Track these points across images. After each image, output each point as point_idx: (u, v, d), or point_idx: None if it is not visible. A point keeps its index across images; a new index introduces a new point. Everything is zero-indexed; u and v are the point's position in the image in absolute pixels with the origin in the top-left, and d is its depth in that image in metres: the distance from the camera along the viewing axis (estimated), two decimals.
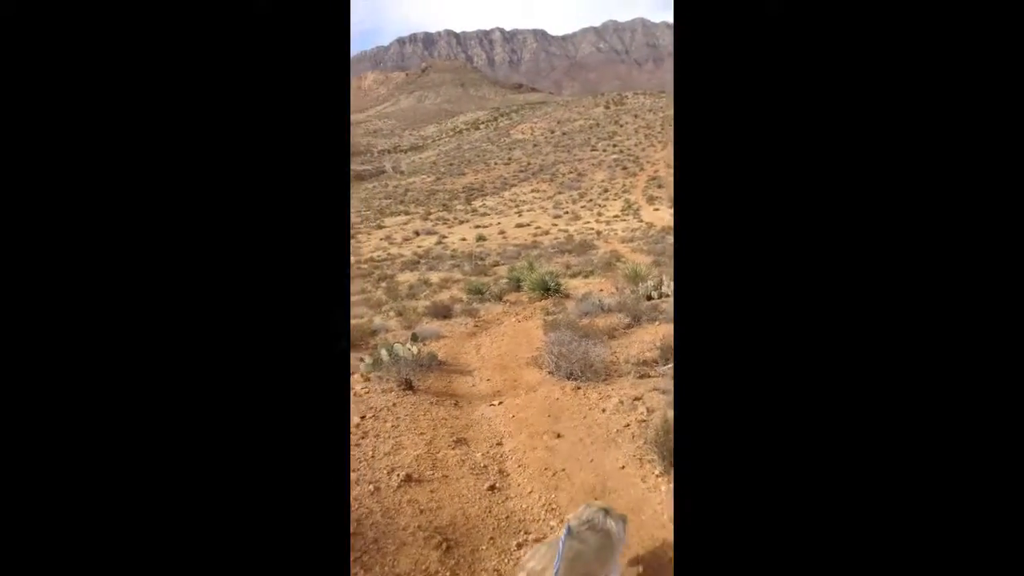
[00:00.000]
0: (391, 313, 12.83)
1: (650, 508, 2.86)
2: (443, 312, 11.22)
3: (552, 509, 3.02)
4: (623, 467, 3.37)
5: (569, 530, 1.99)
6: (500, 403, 5.13)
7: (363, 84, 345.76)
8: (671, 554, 2.43)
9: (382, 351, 6.59)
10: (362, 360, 6.21)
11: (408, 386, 5.54)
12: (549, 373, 5.59)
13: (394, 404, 4.98)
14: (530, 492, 3.24)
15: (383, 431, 4.24)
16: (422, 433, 4.25)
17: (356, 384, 5.62)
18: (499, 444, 4.13)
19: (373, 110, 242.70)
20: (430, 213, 52.01)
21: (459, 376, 6.42)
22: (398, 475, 3.34)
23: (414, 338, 8.32)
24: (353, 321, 10.53)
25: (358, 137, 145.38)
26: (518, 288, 13.90)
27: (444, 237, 38.55)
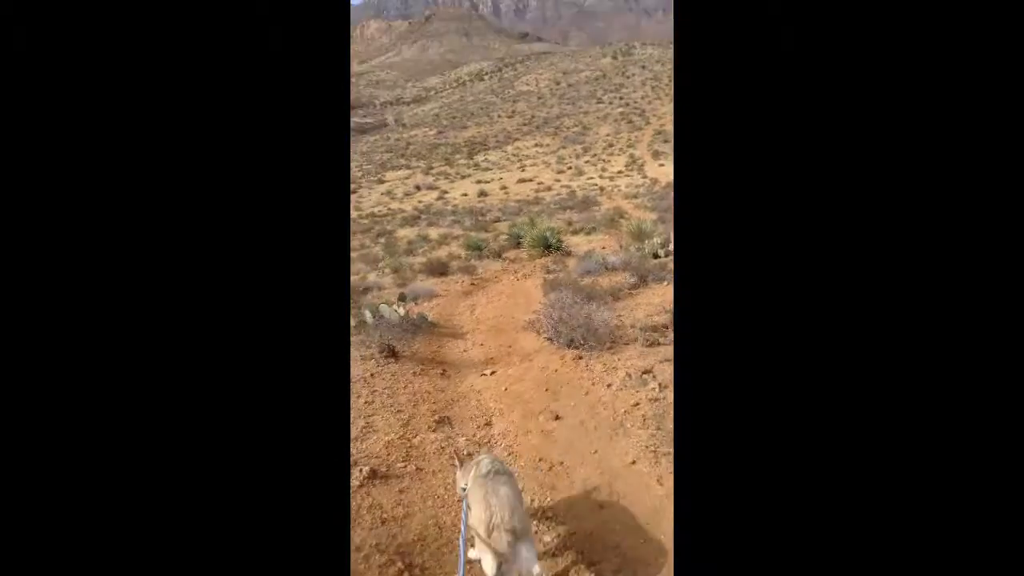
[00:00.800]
0: (386, 270, 12.26)
1: (668, 521, 2.28)
2: (439, 269, 10.80)
3: (547, 518, 2.44)
4: (633, 462, 2.79)
5: (467, 504, 1.89)
6: (492, 373, 4.56)
7: (365, 33, 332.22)
8: None
9: (366, 312, 6.01)
10: None
11: (391, 353, 4.96)
12: (548, 339, 4.98)
13: (372, 375, 4.41)
14: (520, 492, 2.66)
15: (354, 409, 3.67)
16: (399, 411, 3.69)
17: None
18: (488, 425, 3.57)
19: (375, 60, 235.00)
20: (432, 167, 50.86)
21: (450, 340, 5.84)
22: (361, 470, 2.77)
23: (402, 298, 7.73)
24: None
25: (360, 88, 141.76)
26: (518, 245, 13.32)
27: (445, 192, 37.67)
